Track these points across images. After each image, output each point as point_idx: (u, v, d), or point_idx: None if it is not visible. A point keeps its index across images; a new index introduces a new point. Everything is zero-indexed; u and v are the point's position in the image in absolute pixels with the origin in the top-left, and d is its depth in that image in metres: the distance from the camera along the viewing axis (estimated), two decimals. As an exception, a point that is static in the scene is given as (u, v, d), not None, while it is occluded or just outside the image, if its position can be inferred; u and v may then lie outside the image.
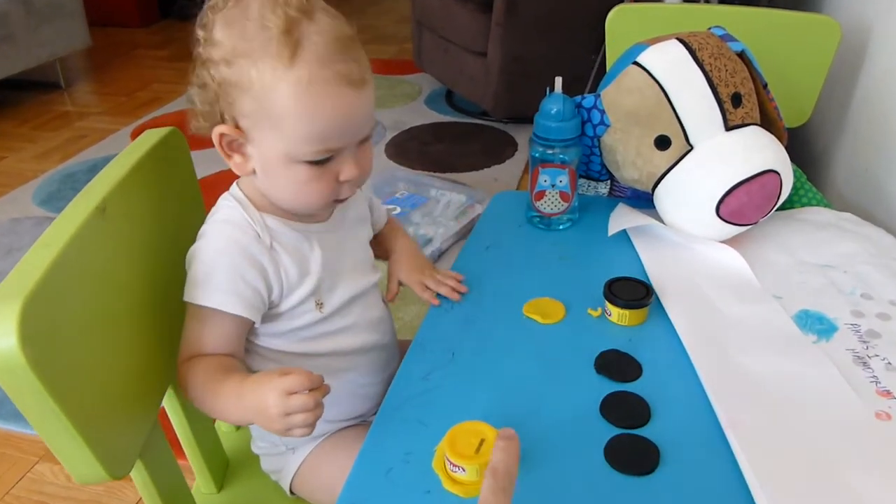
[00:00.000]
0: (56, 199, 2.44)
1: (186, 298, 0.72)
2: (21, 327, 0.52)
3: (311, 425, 0.63)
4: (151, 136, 0.81)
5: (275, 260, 0.74)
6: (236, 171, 0.75)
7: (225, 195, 0.77)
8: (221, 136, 0.71)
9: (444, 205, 2.24)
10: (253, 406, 0.64)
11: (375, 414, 0.70)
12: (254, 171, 0.74)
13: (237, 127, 0.71)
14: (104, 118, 3.16)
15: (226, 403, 0.68)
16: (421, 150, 2.77)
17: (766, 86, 0.97)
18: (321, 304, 0.78)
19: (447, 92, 3.29)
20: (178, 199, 0.85)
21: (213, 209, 0.77)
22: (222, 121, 0.71)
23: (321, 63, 0.66)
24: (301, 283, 0.76)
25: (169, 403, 0.81)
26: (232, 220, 0.74)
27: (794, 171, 0.98)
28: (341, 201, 0.77)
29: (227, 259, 0.72)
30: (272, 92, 0.66)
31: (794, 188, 1.03)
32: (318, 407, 0.63)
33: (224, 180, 0.77)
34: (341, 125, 0.69)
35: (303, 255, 0.77)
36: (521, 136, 2.84)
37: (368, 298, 0.86)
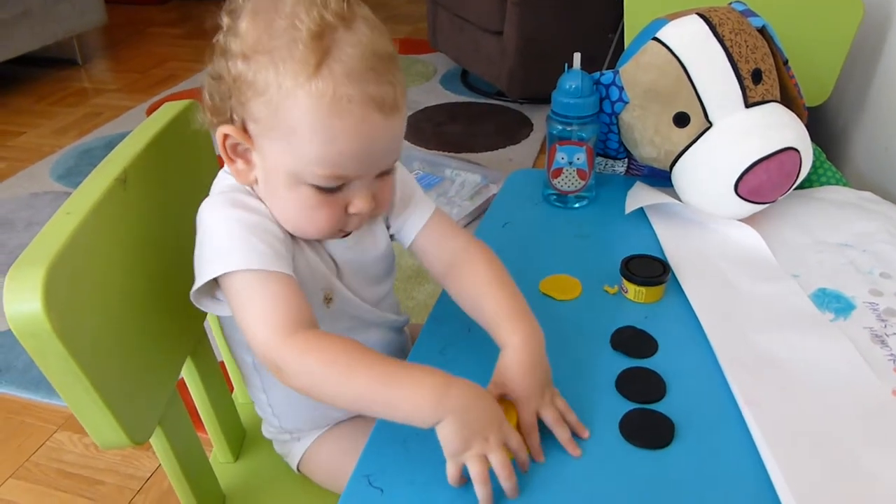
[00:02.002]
0: (73, 175, 2.46)
1: (214, 273, 0.62)
2: (45, 292, 0.53)
3: (485, 479, 0.56)
4: (170, 109, 0.81)
5: (293, 242, 0.68)
6: (237, 179, 0.68)
7: (224, 172, 0.71)
8: (225, 137, 0.65)
9: (458, 185, 2.23)
10: (463, 413, 0.57)
11: None
12: (256, 181, 0.67)
13: (245, 130, 0.64)
14: (120, 95, 3.17)
15: (398, 390, 0.58)
16: (435, 130, 2.76)
17: (786, 62, 0.96)
18: (330, 298, 0.73)
19: (462, 72, 3.27)
20: (197, 170, 0.85)
21: (216, 182, 0.71)
22: (231, 120, 0.65)
23: (350, 79, 0.58)
24: (312, 277, 0.70)
25: (188, 374, 0.82)
26: (243, 189, 0.68)
27: (814, 150, 0.98)
28: (346, 234, 0.70)
29: (255, 220, 0.65)
30: (289, 100, 0.59)
31: (814, 167, 1.02)
32: (507, 476, 0.57)
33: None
34: (360, 153, 0.61)
35: (319, 254, 0.71)
36: (536, 116, 2.82)
37: (385, 301, 0.82)
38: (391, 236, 0.79)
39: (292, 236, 0.69)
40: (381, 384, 0.58)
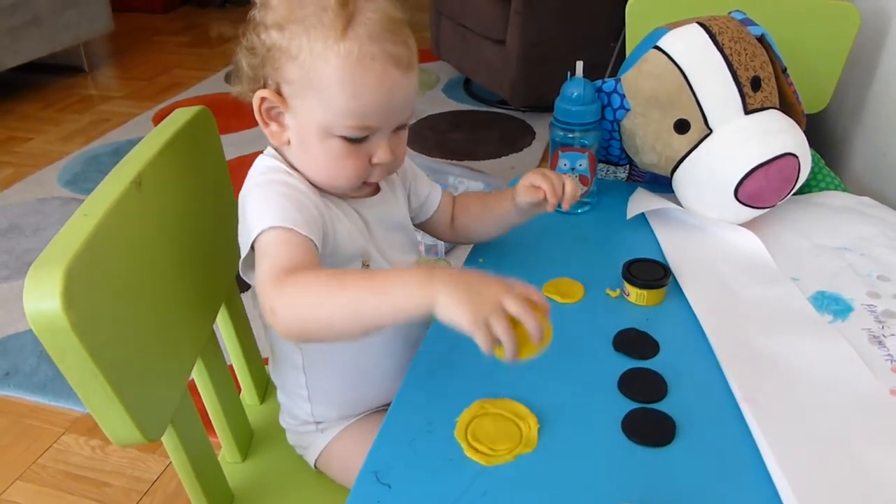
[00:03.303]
0: (80, 181, 2.48)
1: (254, 235, 0.67)
2: (64, 290, 0.54)
3: (511, 339, 0.57)
4: (182, 115, 0.83)
5: (329, 209, 0.74)
6: (271, 140, 0.75)
7: (262, 157, 0.77)
8: (262, 100, 0.72)
9: (461, 192, 2.24)
10: (455, 279, 0.58)
11: None
12: (288, 142, 0.74)
13: (279, 94, 0.71)
14: (126, 102, 3.20)
15: (385, 282, 0.61)
16: (438, 138, 2.78)
17: (785, 70, 0.98)
18: (367, 265, 0.78)
19: (465, 80, 3.29)
20: (208, 174, 0.87)
21: (253, 168, 0.76)
22: (264, 86, 0.72)
23: (372, 40, 0.67)
24: (347, 245, 0.75)
25: (198, 375, 0.84)
26: (280, 170, 0.74)
27: (812, 156, 0.99)
28: (370, 185, 0.77)
29: (291, 193, 0.71)
30: (320, 61, 0.67)
31: (812, 172, 1.03)
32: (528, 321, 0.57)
33: (248, 165, 0.77)
34: (382, 105, 0.70)
35: (351, 219, 0.77)
36: (539, 124, 2.84)
37: None
38: (416, 208, 0.90)
39: (328, 202, 0.75)
40: (369, 285, 0.61)
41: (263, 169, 0.75)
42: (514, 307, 0.57)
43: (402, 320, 0.59)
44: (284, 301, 0.63)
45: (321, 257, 0.71)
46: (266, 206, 0.69)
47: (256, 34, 0.71)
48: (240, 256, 0.72)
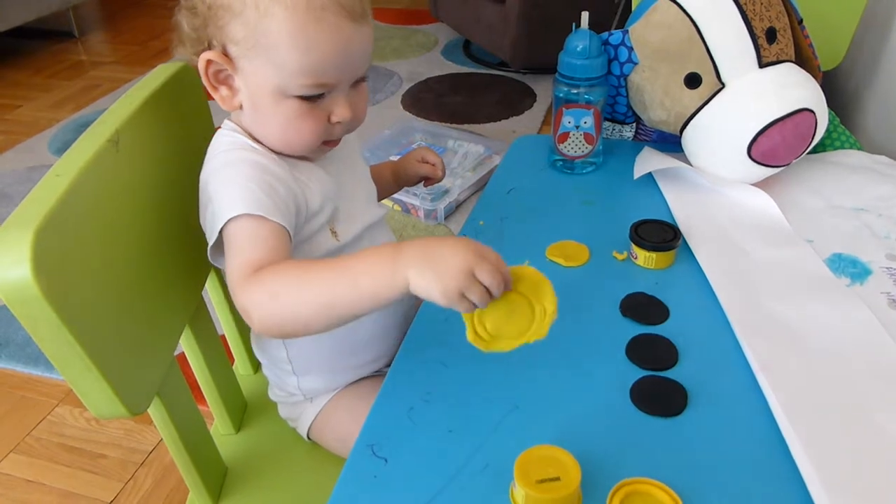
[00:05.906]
0: (71, 149, 2.43)
1: (221, 222, 0.64)
2: (34, 256, 0.51)
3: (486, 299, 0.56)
4: (163, 71, 0.80)
5: (297, 179, 0.70)
6: (222, 105, 0.70)
7: (222, 131, 0.72)
8: (209, 63, 0.67)
9: (461, 156, 2.20)
10: (422, 255, 0.56)
11: (392, 362, 0.69)
12: (240, 106, 0.70)
13: (226, 55, 0.66)
14: (118, 67, 3.14)
15: (353, 270, 0.58)
16: (437, 101, 2.72)
17: (801, 22, 0.93)
18: (335, 231, 0.75)
19: (464, 42, 3.23)
20: (191, 133, 0.83)
21: (214, 145, 0.72)
22: (209, 48, 0.67)
23: None
24: (321, 207, 0.72)
25: (188, 346, 0.81)
26: (244, 146, 0.70)
27: (828, 114, 0.95)
28: (331, 143, 0.73)
29: (259, 176, 0.66)
30: (266, 17, 0.62)
31: (828, 131, 0.99)
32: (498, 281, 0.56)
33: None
34: (337, 59, 0.65)
35: (319, 179, 0.73)
36: (539, 87, 2.78)
37: (381, 229, 0.84)
38: None
39: (296, 172, 0.71)
40: (337, 278, 0.58)
41: (226, 146, 0.70)
42: (486, 277, 0.55)
43: (382, 305, 0.57)
44: (254, 301, 0.60)
45: (296, 229, 0.69)
46: (233, 190, 0.65)
47: None
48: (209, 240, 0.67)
